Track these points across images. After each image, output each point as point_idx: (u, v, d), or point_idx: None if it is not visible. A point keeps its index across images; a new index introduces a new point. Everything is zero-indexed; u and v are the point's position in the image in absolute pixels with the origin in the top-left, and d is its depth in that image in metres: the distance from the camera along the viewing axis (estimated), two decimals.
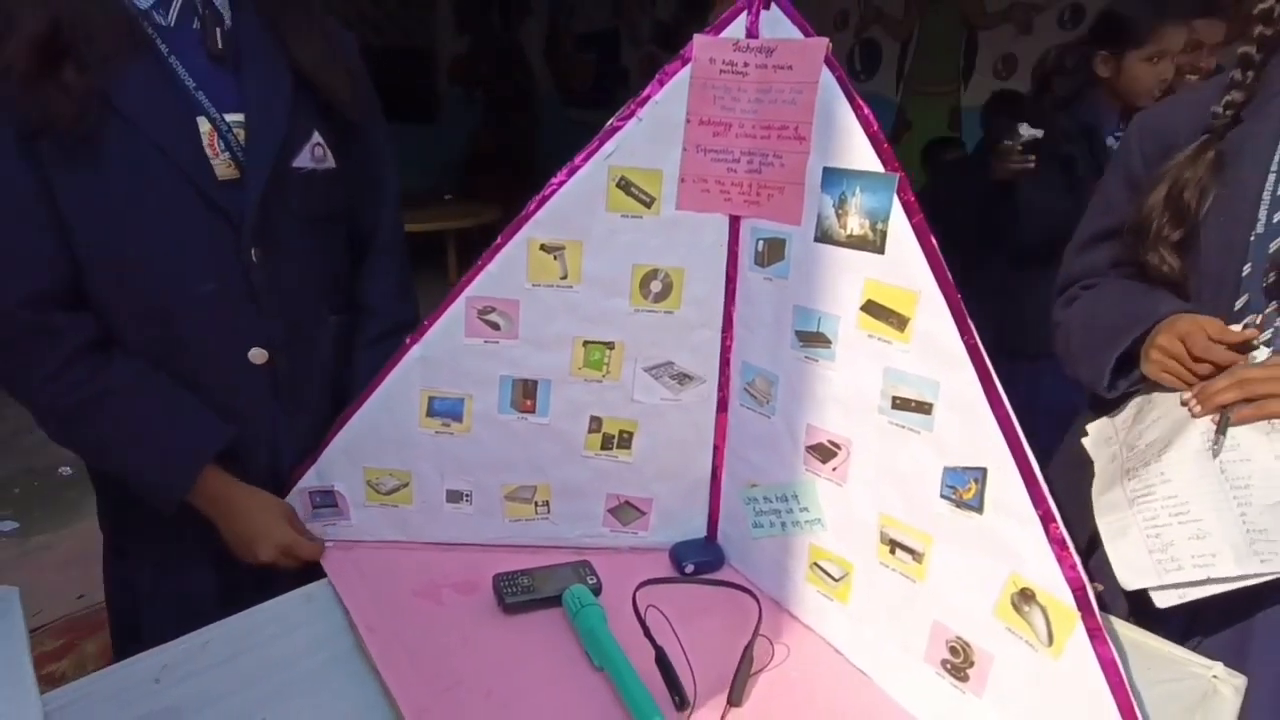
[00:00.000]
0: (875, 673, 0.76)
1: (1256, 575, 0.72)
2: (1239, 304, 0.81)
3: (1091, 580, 0.88)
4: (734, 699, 0.72)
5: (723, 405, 0.91)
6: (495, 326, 0.85)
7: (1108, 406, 0.94)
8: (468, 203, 4.98)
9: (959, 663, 0.67)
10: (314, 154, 0.86)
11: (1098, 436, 0.91)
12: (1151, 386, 0.88)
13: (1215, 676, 0.75)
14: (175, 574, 0.92)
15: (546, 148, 6.12)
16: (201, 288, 0.82)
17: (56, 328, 0.79)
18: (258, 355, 0.87)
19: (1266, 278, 0.79)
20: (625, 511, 0.95)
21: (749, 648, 0.76)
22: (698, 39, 0.77)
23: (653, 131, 0.79)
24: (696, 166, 0.81)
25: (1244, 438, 0.76)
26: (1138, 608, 0.86)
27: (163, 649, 0.75)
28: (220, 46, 0.81)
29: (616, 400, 0.90)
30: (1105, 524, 0.83)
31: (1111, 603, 0.90)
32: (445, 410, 0.88)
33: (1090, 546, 0.93)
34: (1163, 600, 0.78)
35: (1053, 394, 1.37)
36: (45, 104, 0.72)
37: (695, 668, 0.74)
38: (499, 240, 0.81)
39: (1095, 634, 0.57)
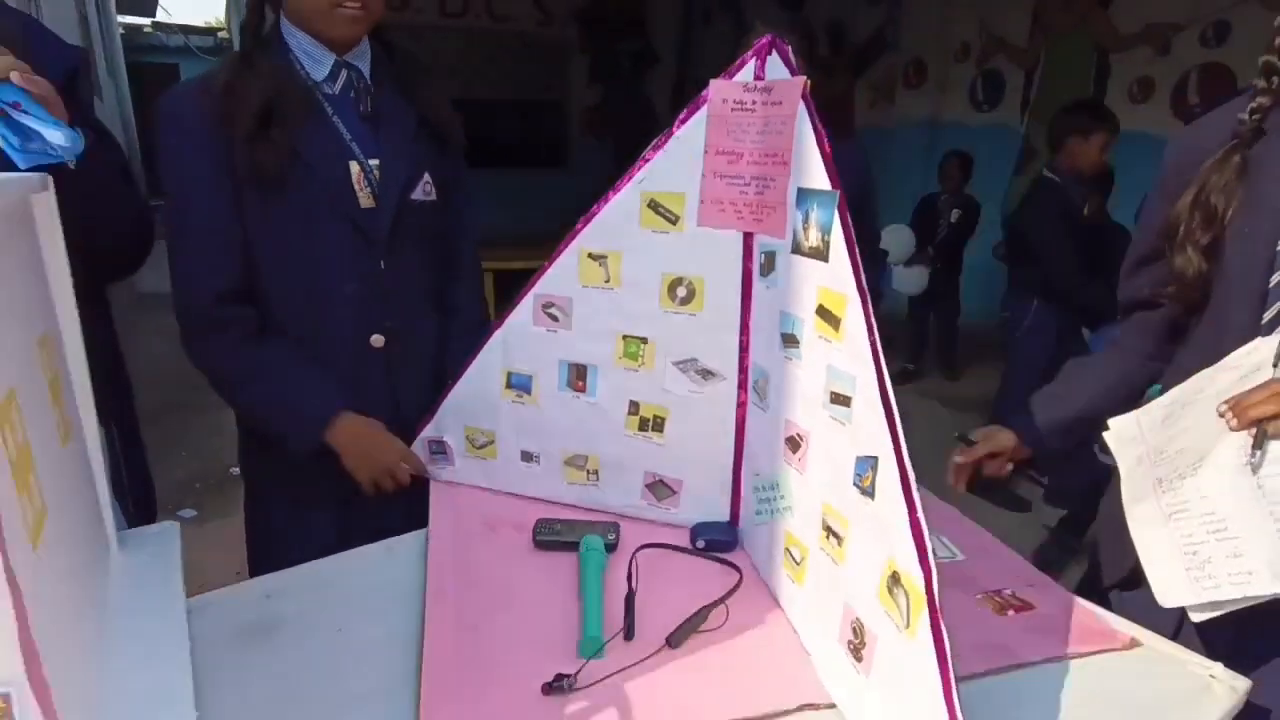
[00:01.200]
0: (814, 653, 0.81)
1: None
2: (1268, 315, 0.80)
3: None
4: (672, 642, 0.83)
5: (743, 402, 1.01)
6: (555, 319, 1.06)
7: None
8: None
9: (857, 643, 0.71)
10: (424, 189, 1.15)
11: (1121, 433, 0.92)
12: (1186, 389, 0.87)
13: (1213, 676, 0.79)
14: (303, 515, 1.16)
15: None
16: (345, 288, 1.10)
17: (233, 318, 1.06)
18: (377, 340, 1.14)
19: None
20: (659, 489, 1.09)
21: (707, 607, 0.86)
22: (714, 84, 0.92)
23: (677, 160, 0.95)
24: (714, 190, 0.95)
25: None
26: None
27: (275, 575, 0.96)
28: (368, 109, 1.10)
29: (651, 388, 1.05)
30: (1140, 539, 0.83)
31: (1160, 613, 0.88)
32: (519, 384, 1.11)
33: (1134, 575, 0.93)
34: (1198, 615, 0.78)
35: None
36: (257, 156, 0.99)
37: (661, 617, 0.86)
38: (558, 248, 1.02)
39: (935, 622, 0.60)
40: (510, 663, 0.80)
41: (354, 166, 1.08)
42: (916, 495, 0.63)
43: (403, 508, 1.13)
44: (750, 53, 0.89)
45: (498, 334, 1.09)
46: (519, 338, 1.08)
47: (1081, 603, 0.91)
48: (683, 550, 1.02)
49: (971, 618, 0.89)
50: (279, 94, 1.01)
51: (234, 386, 1.10)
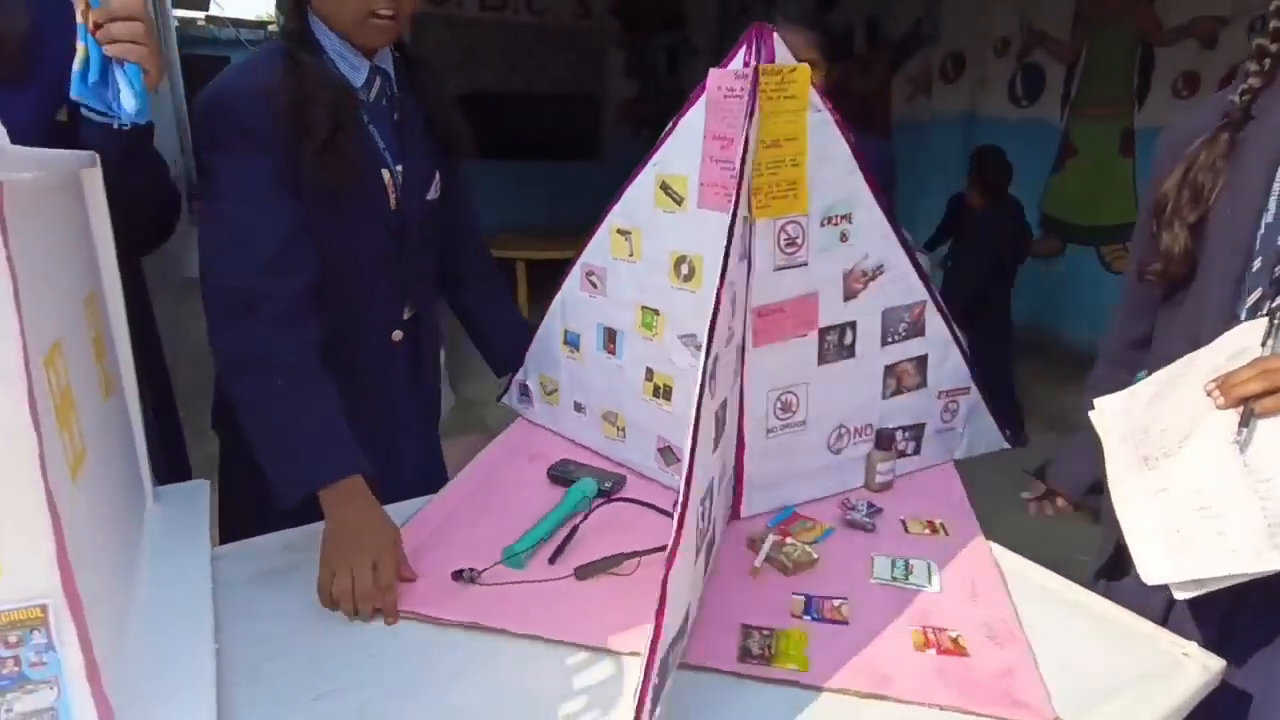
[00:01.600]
0: None
1: (1276, 569, 0.71)
2: (1251, 299, 0.81)
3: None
4: (578, 574, 0.93)
5: None
6: (595, 285, 1.19)
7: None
8: None
9: None
10: (435, 189, 1.18)
11: (1106, 411, 0.91)
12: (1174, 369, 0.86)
13: (1186, 654, 0.81)
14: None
15: None
16: (377, 287, 1.13)
17: (305, 319, 0.99)
18: (396, 335, 1.19)
19: (1272, 271, 0.79)
20: (667, 454, 1.17)
21: (621, 555, 0.94)
22: (713, 72, 0.96)
23: (684, 144, 1.01)
24: (711, 173, 0.99)
25: (1268, 429, 0.73)
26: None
27: (298, 529, 0.99)
28: (398, 118, 1.10)
29: (662, 359, 1.13)
30: (1124, 517, 0.82)
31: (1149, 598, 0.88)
32: (572, 341, 1.27)
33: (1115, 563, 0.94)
34: (1181, 594, 0.78)
35: None
36: (327, 166, 0.98)
37: (595, 553, 0.97)
38: (598, 222, 1.15)
39: (661, 600, 0.63)
40: (453, 553, 0.97)
41: (385, 174, 1.10)
42: (698, 472, 0.66)
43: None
44: (741, 42, 0.92)
45: (559, 295, 1.26)
46: (571, 301, 1.24)
47: (1038, 675, 0.78)
48: (654, 508, 1.09)
49: (878, 641, 0.83)
50: (340, 102, 1.00)
51: (245, 380, 0.96)
